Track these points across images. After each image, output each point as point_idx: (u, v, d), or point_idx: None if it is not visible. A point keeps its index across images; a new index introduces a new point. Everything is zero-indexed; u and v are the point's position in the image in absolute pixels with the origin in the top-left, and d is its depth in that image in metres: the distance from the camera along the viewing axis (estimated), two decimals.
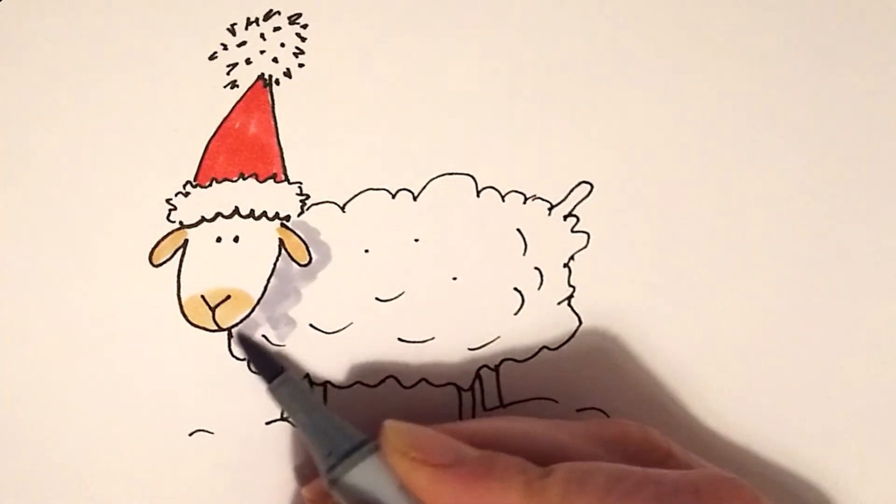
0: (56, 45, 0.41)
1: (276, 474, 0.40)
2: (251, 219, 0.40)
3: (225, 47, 0.41)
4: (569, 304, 0.40)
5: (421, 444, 0.33)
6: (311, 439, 0.36)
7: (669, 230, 0.40)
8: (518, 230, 0.40)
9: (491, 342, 0.40)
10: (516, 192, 0.41)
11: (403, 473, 0.33)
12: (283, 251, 0.40)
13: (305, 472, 0.39)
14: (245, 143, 0.41)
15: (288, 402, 0.38)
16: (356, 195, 0.41)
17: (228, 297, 0.40)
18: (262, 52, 0.41)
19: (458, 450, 0.33)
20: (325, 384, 0.40)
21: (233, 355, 0.40)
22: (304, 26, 0.41)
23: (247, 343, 0.40)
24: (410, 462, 0.33)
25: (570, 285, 0.40)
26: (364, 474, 0.34)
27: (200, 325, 0.40)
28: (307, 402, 0.37)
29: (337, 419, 0.36)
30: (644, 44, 0.41)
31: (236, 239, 0.40)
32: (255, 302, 0.40)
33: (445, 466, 0.33)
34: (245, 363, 0.40)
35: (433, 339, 0.40)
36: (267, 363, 0.39)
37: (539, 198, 0.41)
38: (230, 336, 0.40)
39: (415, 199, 0.41)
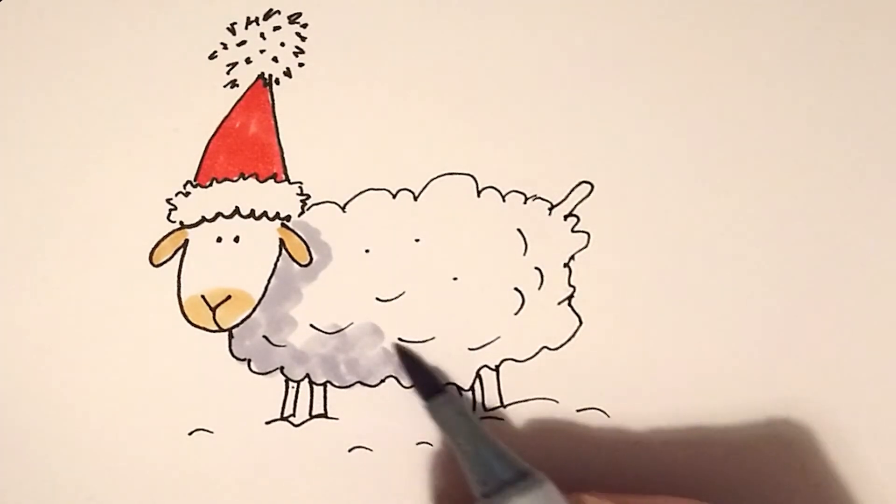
0: (56, 45, 0.41)
1: (275, 474, 0.40)
2: (252, 219, 0.40)
3: (225, 47, 0.41)
4: (569, 304, 0.40)
5: None
6: (466, 463, 0.36)
7: (669, 230, 0.40)
8: (518, 230, 0.40)
9: (491, 342, 0.40)
10: (517, 191, 0.41)
11: None
12: (283, 251, 0.40)
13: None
14: (245, 143, 0.41)
15: (445, 422, 0.38)
16: (357, 195, 0.41)
17: (229, 297, 0.40)
18: (262, 51, 0.41)
19: None
20: (325, 384, 0.40)
21: (233, 355, 0.40)
22: (304, 25, 0.41)
23: (406, 357, 0.40)
24: None
25: (570, 285, 0.40)
26: None
27: (201, 325, 0.40)
28: (466, 424, 0.37)
29: (498, 444, 0.36)
30: (644, 44, 0.41)
31: (237, 239, 0.40)
32: (256, 302, 0.40)
33: None
34: (246, 363, 0.40)
35: (433, 338, 0.40)
36: (427, 380, 0.39)
37: (539, 198, 0.41)
38: (230, 336, 0.40)
39: (415, 199, 0.41)
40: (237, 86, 0.41)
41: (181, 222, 0.40)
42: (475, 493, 0.36)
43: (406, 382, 0.40)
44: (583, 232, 0.40)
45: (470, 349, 0.40)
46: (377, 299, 0.40)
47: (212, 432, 0.40)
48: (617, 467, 0.40)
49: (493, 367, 0.40)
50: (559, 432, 0.40)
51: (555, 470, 0.36)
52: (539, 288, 0.40)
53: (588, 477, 0.39)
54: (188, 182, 0.40)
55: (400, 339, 0.40)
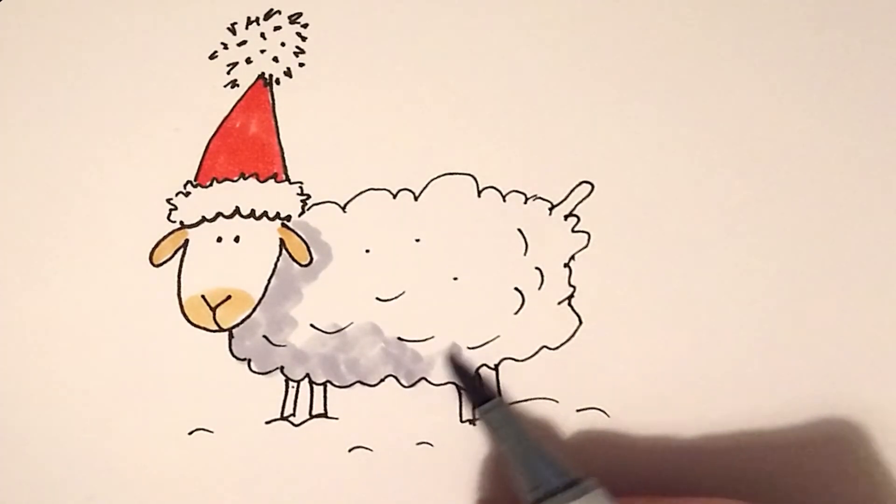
0: (56, 45, 0.41)
1: (275, 473, 0.40)
2: (252, 219, 0.40)
3: (225, 46, 0.41)
4: (569, 304, 0.40)
5: None
6: (517, 469, 0.36)
7: (669, 230, 0.40)
8: (519, 230, 0.40)
9: (491, 341, 0.40)
10: (517, 191, 0.41)
11: None
12: (283, 251, 0.40)
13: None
14: (246, 143, 0.41)
15: (496, 428, 0.38)
16: (357, 195, 0.41)
17: (229, 297, 0.40)
18: (262, 51, 0.41)
19: None
20: (326, 384, 0.40)
21: (233, 355, 0.40)
22: (305, 25, 0.41)
23: (457, 366, 0.40)
24: None
25: (570, 285, 0.40)
26: None
27: (201, 325, 0.40)
28: (517, 431, 0.37)
29: (548, 451, 0.36)
30: (644, 44, 0.41)
31: (237, 239, 0.40)
32: (256, 302, 0.40)
33: None
34: (246, 363, 0.40)
35: (433, 338, 0.40)
36: (477, 387, 0.39)
37: (540, 198, 0.41)
38: (230, 336, 0.40)
39: (416, 198, 0.41)
40: (237, 86, 0.41)
41: (181, 222, 0.40)
42: (525, 500, 0.36)
43: (405, 383, 0.40)
44: (583, 232, 0.40)
45: (469, 348, 0.40)
46: (377, 299, 0.40)
47: (212, 432, 0.40)
48: (617, 467, 0.40)
49: (493, 366, 0.40)
50: (559, 432, 0.40)
51: None
52: (539, 288, 0.40)
53: None
54: (188, 182, 0.40)
55: (400, 338, 0.40)
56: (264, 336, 0.40)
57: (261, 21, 0.41)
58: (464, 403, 0.40)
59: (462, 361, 0.40)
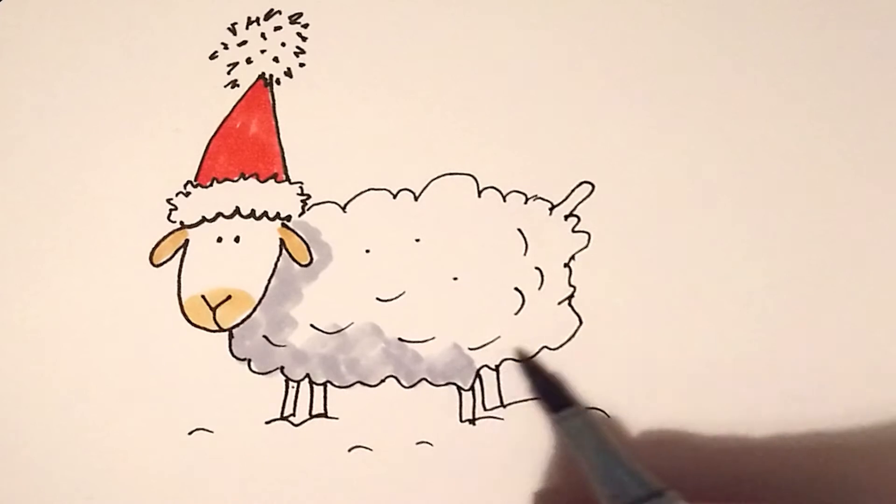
0: (56, 45, 0.41)
1: (275, 473, 0.40)
2: (252, 219, 0.40)
3: (226, 46, 0.41)
4: (569, 304, 0.40)
5: None
6: (597, 477, 0.36)
7: (669, 230, 0.40)
8: (519, 230, 0.40)
9: (491, 342, 0.40)
10: (517, 192, 0.41)
11: None
12: (284, 251, 0.40)
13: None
14: (246, 143, 0.41)
15: (574, 436, 0.37)
16: (357, 195, 0.41)
17: (229, 297, 0.40)
18: (262, 51, 0.41)
19: None
20: (326, 384, 0.40)
21: (233, 355, 0.40)
22: (305, 26, 0.41)
23: (534, 372, 0.40)
24: None
25: (570, 285, 0.40)
26: None
27: (201, 325, 0.40)
28: (597, 439, 0.37)
29: (628, 460, 0.36)
30: (644, 45, 0.41)
31: (237, 239, 0.40)
32: (256, 302, 0.40)
33: None
34: (246, 363, 0.40)
35: (433, 338, 0.40)
36: (556, 394, 0.39)
37: (540, 198, 0.41)
38: (230, 336, 0.40)
39: (416, 199, 0.41)
40: (238, 86, 0.41)
41: (181, 222, 0.40)
42: None
43: (405, 383, 0.40)
44: (583, 232, 0.40)
45: (470, 349, 0.40)
46: (377, 299, 0.40)
47: (212, 432, 0.40)
48: None
49: (494, 366, 0.40)
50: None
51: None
52: (539, 288, 0.40)
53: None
54: (189, 182, 0.41)
55: (400, 339, 0.40)
56: (264, 336, 0.40)
57: (261, 21, 0.41)
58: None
59: (538, 366, 0.40)
